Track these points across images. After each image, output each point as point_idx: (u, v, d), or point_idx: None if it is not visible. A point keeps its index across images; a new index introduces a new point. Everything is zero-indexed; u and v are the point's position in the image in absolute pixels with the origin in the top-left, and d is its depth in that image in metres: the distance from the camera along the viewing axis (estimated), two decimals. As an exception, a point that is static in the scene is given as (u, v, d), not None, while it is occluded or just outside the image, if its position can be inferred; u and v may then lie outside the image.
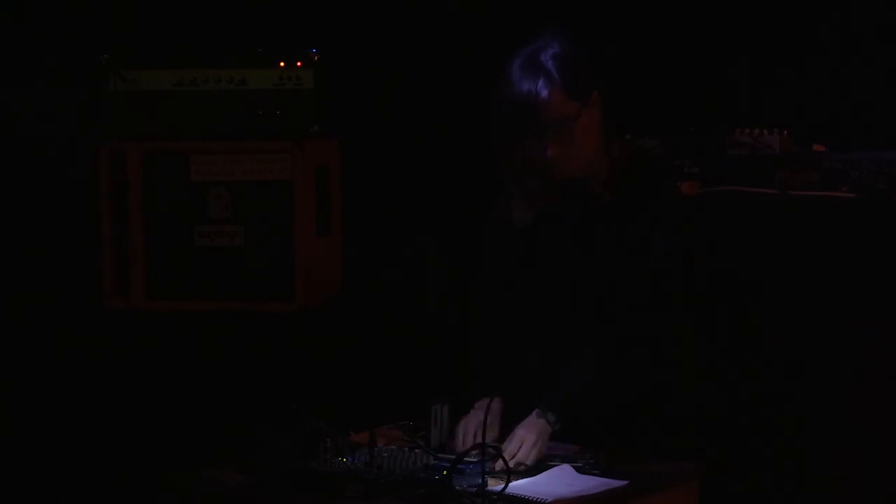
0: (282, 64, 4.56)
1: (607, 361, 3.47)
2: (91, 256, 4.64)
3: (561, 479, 3.23)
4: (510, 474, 3.17)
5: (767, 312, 4.16)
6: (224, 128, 4.59)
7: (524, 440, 3.36)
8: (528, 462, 3.34)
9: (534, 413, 3.42)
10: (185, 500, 3.31)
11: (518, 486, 3.17)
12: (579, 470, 3.29)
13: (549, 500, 3.08)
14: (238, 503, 3.22)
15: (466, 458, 3.23)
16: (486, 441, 3.28)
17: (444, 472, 3.15)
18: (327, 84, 4.58)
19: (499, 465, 3.26)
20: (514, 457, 3.31)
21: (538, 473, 3.28)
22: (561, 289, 3.56)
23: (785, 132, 4.21)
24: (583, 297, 3.53)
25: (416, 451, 3.36)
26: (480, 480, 3.13)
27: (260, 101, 4.57)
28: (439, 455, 3.37)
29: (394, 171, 4.78)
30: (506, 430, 3.45)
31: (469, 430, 3.47)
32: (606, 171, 3.52)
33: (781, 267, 4.13)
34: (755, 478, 4.17)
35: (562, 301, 3.55)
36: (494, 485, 3.15)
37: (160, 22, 4.75)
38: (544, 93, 3.39)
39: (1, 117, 4.78)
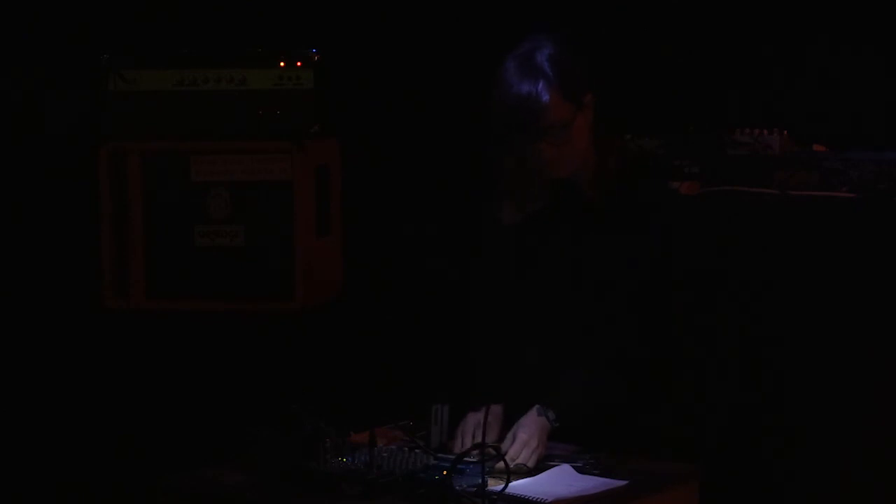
0: (282, 64, 4.56)
1: (608, 368, 3.47)
2: (91, 256, 4.63)
3: (561, 479, 3.23)
4: (510, 474, 3.18)
5: (767, 312, 4.16)
6: (224, 128, 4.58)
7: (525, 444, 3.36)
8: (529, 465, 3.34)
9: (534, 410, 3.43)
10: (184, 500, 3.31)
11: (518, 486, 3.18)
12: (579, 470, 3.29)
13: (549, 500, 3.08)
14: (238, 503, 3.23)
15: (466, 458, 3.24)
16: (486, 442, 3.28)
17: (444, 472, 3.15)
18: (327, 84, 4.58)
19: (499, 464, 3.26)
20: (514, 461, 3.32)
21: (538, 473, 3.28)
22: (555, 287, 3.56)
23: (785, 132, 4.21)
24: (578, 295, 3.53)
25: (416, 451, 3.36)
26: (480, 480, 3.13)
27: (260, 101, 4.57)
28: (439, 455, 3.37)
29: (394, 171, 4.78)
30: (505, 428, 3.45)
31: (468, 431, 3.47)
32: (596, 172, 3.52)
33: (781, 267, 4.13)
34: (755, 478, 4.17)
35: (557, 299, 3.56)
36: (494, 485, 3.16)
37: (160, 22, 4.75)
38: (545, 96, 3.39)
39: (1, 117, 4.78)
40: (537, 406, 3.43)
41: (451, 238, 4.53)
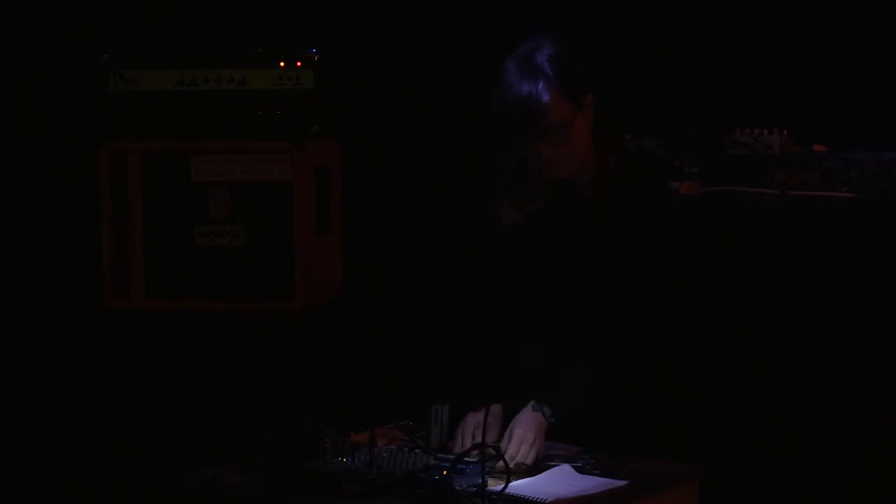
0: (282, 64, 4.56)
1: (608, 368, 3.47)
2: (91, 256, 4.63)
3: (561, 479, 3.23)
4: (510, 474, 3.18)
5: (767, 312, 4.16)
6: (224, 128, 4.58)
7: (523, 440, 3.36)
8: (528, 462, 3.34)
9: (529, 406, 3.43)
10: (184, 500, 3.31)
11: (518, 486, 3.17)
12: (579, 470, 3.29)
13: (549, 500, 3.08)
14: (238, 503, 3.23)
15: (466, 458, 3.24)
16: (486, 442, 3.28)
17: (444, 472, 3.15)
18: (327, 84, 4.58)
19: (499, 464, 3.26)
20: (513, 458, 3.32)
21: (538, 473, 3.28)
22: (555, 287, 3.56)
23: (785, 132, 4.21)
24: (578, 295, 3.53)
25: (416, 451, 3.36)
26: (480, 480, 3.13)
27: (260, 101, 4.57)
28: (439, 455, 3.37)
29: (394, 171, 4.78)
30: (505, 428, 3.45)
31: (468, 431, 3.47)
32: (596, 172, 3.53)
33: (781, 267, 4.13)
34: (755, 478, 4.17)
35: (557, 299, 3.56)
36: (494, 485, 3.16)
37: (160, 22, 4.75)
38: (545, 97, 3.40)
39: (1, 117, 4.78)
40: (532, 402, 3.43)
41: (451, 238, 4.53)
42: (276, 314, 4.56)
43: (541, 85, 3.40)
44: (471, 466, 3.21)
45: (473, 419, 3.49)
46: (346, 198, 4.72)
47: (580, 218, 3.54)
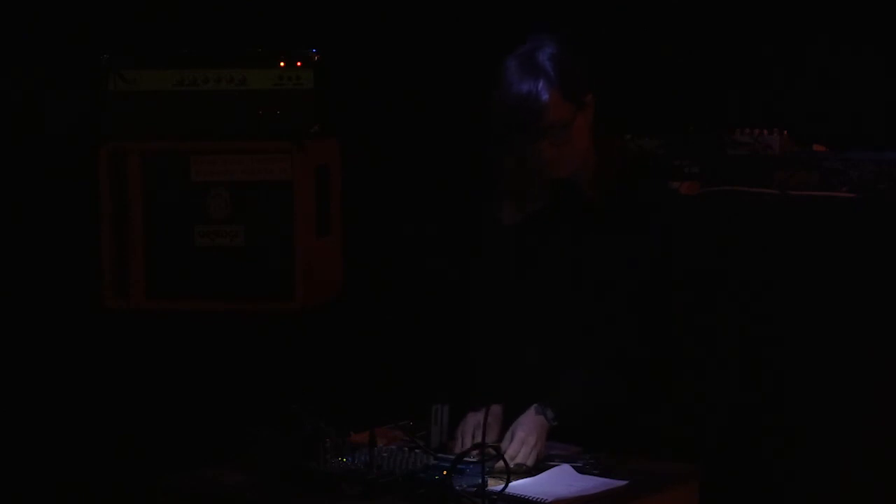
0: (282, 64, 4.56)
1: (608, 368, 3.47)
2: (91, 256, 4.64)
3: (561, 479, 3.23)
4: (510, 474, 3.18)
5: (767, 312, 4.16)
6: (224, 128, 4.58)
7: (524, 442, 3.36)
8: (529, 463, 3.34)
9: (532, 408, 3.43)
10: (184, 500, 3.31)
11: (518, 486, 3.17)
12: (579, 470, 3.29)
13: (549, 500, 3.08)
14: (238, 503, 3.23)
15: (466, 458, 3.24)
16: (486, 442, 3.28)
17: (444, 472, 3.15)
18: (327, 84, 4.58)
19: (499, 464, 3.26)
20: (513, 459, 3.32)
21: (538, 473, 3.28)
22: (555, 287, 3.57)
23: (785, 132, 4.21)
24: (578, 295, 3.53)
25: (416, 451, 3.36)
26: (480, 480, 3.13)
27: (260, 101, 4.57)
28: (439, 455, 3.37)
29: (394, 171, 4.79)
30: (505, 428, 3.45)
31: (468, 431, 3.47)
32: (596, 172, 3.53)
33: (781, 267, 4.13)
34: (755, 478, 4.17)
35: (557, 299, 3.56)
36: (494, 485, 3.16)
37: (160, 22, 4.75)
38: (545, 96, 3.40)
39: (1, 117, 4.78)
40: (535, 404, 3.44)
41: (451, 238, 4.54)
42: (276, 314, 4.56)
43: (541, 84, 3.40)
44: (471, 466, 3.21)
45: (473, 419, 3.49)
46: (346, 198, 4.72)
47: (580, 218, 3.54)
